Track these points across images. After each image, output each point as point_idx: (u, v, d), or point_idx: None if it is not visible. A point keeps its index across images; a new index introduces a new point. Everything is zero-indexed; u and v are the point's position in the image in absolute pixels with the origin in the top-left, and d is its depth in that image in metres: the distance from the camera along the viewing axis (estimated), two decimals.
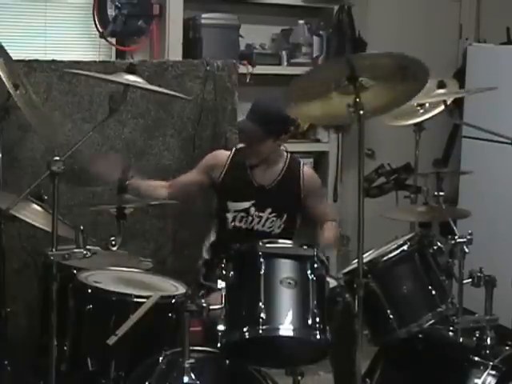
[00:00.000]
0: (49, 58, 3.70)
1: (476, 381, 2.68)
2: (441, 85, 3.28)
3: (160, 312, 2.69)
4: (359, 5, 4.60)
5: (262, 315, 2.45)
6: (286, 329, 2.48)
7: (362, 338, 2.47)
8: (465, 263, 2.80)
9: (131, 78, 2.74)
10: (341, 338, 2.69)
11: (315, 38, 4.50)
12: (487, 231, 4.21)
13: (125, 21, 3.93)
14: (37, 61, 3.56)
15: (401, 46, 4.63)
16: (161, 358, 2.58)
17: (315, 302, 2.52)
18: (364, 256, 2.61)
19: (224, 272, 2.58)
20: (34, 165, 3.53)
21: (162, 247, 3.87)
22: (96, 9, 3.96)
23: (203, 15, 4.11)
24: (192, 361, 2.45)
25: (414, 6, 4.90)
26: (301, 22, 4.46)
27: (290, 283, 2.52)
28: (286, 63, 4.47)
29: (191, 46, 4.13)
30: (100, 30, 3.98)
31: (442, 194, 3.05)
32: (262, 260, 2.54)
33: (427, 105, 3.59)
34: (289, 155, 3.46)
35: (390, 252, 2.84)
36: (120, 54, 4.09)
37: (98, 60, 3.85)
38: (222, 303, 2.55)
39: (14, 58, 3.00)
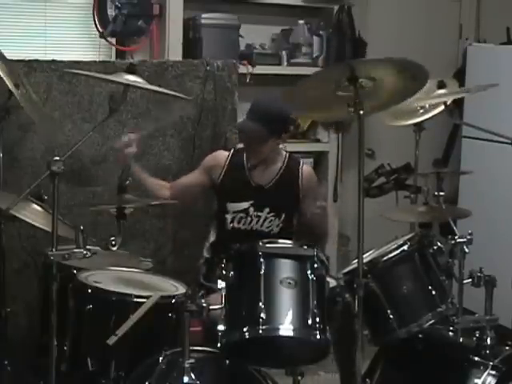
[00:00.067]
0: (49, 58, 3.70)
1: (476, 381, 2.68)
2: (441, 85, 3.28)
3: (160, 312, 2.69)
4: (359, 5, 4.60)
5: (262, 315, 2.46)
6: (286, 329, 2.48)
7: (362, 337, 2.47)
8: (465, 263, 2.80)
9: (131, 78, 2.74)
10: (341, 338, 2.70)
11: (315, 38, 4.50)
12: (487, 231, 4.21)
13: (125, 21, 3.93)
14: (37, 61, 3.56)
15: (401, 46, 4.66)
16: (161, 358, 2.58)
17: (315, 301, 2.52)
18: (364, 256, 2.62)
19: (224, 272, 2.59)
20: (34, 165, 3.53)
21: (162, 247, 3.87)
22: (96, 9, 3.96)
23: (203, 15, 4.11)
24: (192, 361, 2.45)
25: (414, 5, 4.90)
26: (301, 21, 4.46)
27: (290, 283, 2.52)
28: (285, 63, 4.46)
29: (191, 46, 4.13)
30: (100, 30, 3.98)
31: (442, 193, 3.04)
32: (261, 260, 2.54)
33: (427, 105, 3.59)
34: (287, 154, 3.45)
35: (390, 252, 2.84)
36: (120, 54, 4.09)
37: (98, 60, 3.85)
38: (222, 303, 2.55)
39: (14, 58, 3.00)
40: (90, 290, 2.78)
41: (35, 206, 2.80)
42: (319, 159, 4.64)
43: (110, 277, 2.84)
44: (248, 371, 2.60)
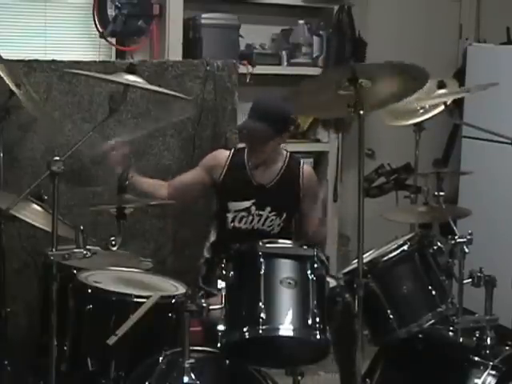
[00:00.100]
0: (49, 58, 3.69)
1: (476, 381, 2.69)
2: (441, 85, 3.28)
3: (160, 312, 2.69)
4: (359, 5, 4.60)
5: (262, 315, 2.46)
6: (286, 329, 2.49)
7: (362, 337, 2.47)
8: (465, 263, 2.80)
9: (131, 78, 2.74)
10: (341, 338, 2.70)
11: (315, 38, 4.50)
12: (487, 231, 4.21)
13: (125, 21, 3.92)
14: (37, 61, 3.56)
15: (401, 46, 4.66)
16: (161, 358, 2.59)
17: (315, 301, 2.52)
18: (364, 256, 2.62)
19: (224, 272, 2.59)
20: (34, 165, 3.53)
21: (162, 247, 3.87)
22: (96, 9, 3.96)
23: (203, 15, 4.10)
24: (192, 361, 2.45)
25: (414, 5, 4.90)
26: (301, 21, 4.46)
27: (290, 283, 2.52)
28: (285, 63, 4.46)
29: (191, 46, 4.13)
30: (100, 30, 3.97)
31: (442, 194, 3.04)
32: (261, 260, 2.55)
33: (427, 105, 3.59)
34: (288, 154, 3.46)
35: (390, 252, 2.84)
36: (120, 54, 4.09)
37: (98, 60, 3.85)
38: (221, 303, 2.55)
39: (14, 58, 3.00)
40: (89, 290, 2.78)
41: (35, 206, 2.79)
42: (319, 159, 4.64)
43: (110, 277, 2.84)
44: (248, 371, 2.60)
